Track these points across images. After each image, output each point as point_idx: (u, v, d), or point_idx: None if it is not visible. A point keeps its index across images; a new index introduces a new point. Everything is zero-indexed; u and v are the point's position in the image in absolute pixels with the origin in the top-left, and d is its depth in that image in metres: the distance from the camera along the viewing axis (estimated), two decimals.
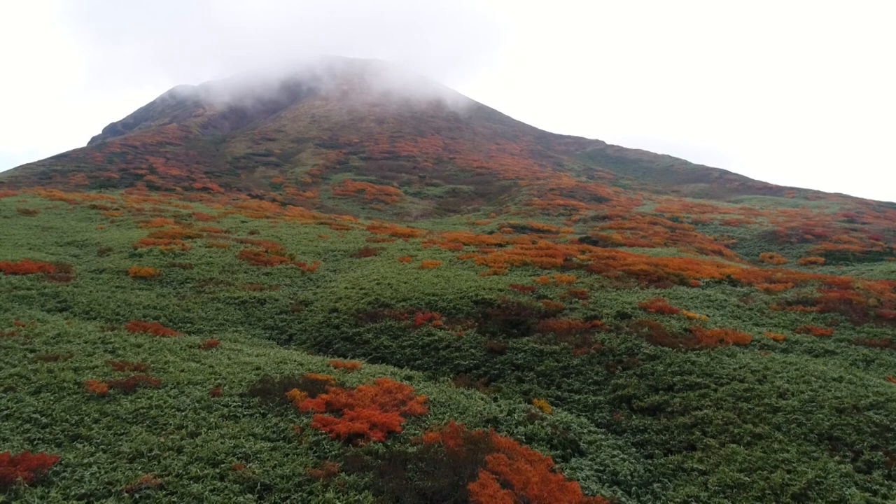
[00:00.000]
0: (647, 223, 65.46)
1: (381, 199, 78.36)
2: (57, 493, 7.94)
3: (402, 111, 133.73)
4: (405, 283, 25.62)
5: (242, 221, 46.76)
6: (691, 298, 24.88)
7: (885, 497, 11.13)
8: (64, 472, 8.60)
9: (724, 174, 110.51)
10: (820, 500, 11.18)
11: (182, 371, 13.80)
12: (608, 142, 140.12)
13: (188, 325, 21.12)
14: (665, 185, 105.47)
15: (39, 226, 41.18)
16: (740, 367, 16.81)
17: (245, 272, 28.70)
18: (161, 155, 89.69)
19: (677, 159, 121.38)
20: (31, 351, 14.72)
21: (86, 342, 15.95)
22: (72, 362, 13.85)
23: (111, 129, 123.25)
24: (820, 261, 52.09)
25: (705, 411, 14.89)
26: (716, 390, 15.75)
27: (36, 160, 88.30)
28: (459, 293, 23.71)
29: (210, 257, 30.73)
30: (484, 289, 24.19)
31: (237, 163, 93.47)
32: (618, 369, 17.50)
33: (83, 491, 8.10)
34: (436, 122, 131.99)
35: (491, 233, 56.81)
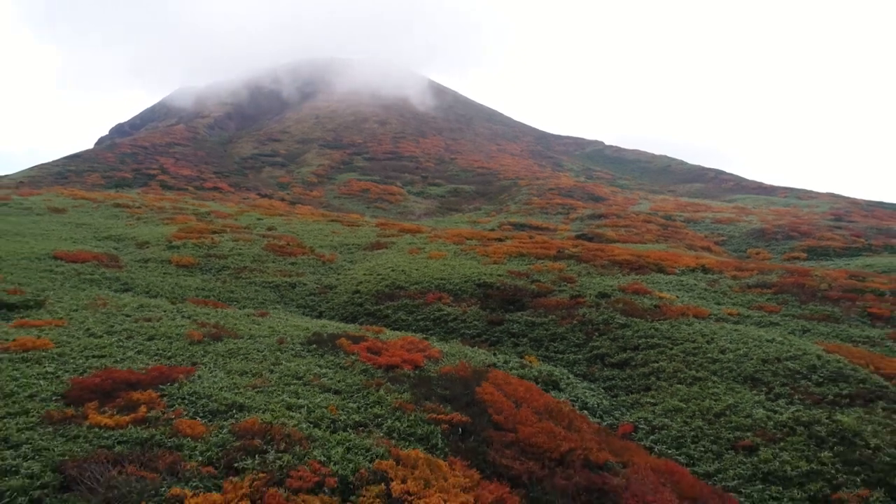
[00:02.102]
0: (641, 221, 69.69)
1: (385, 198, 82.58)
2: (202, 384, 12.17)
3: (402, 110, 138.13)
4: (416, 270, 29.88)
5: (258, 219, 50.93)
6: (666, 283, 29.14)
7: (781, 413, 15.37)
8: (202, 376, 12.84)
9: (719, 174, 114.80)
10: (733, 417, 15.45)
11: (250, 329, 18.07)
12: (607, 142, 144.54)
13: (235, 303, 25.37)
14: (662, 184, 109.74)
15: (72, 222, 45.37)
16: (694, 333, 21.08)
17: (273, 262, 32.95)
18: (170, 155, 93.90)
19: (674, 160, 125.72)
20: (127, 316, 18.95)
21: (164, 311, 20.17)
22: (163, 323, 18.09)
23: (118, 130, 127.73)
24: (803, 256, 56.18)
25: (661, 363, 19.18)
26: (671, 349, 20.02)
27: (40, 161, 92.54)
28: (464, 278, 27.97)
29: (240, 249, 34.96)
30: (485, 274, 28.45)
31: (244, 163, 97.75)
32: (595, 335, 21.79)
33: (225, 384, 12.34)
34: (437, 123, 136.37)
35: (492, 230, 61.05)
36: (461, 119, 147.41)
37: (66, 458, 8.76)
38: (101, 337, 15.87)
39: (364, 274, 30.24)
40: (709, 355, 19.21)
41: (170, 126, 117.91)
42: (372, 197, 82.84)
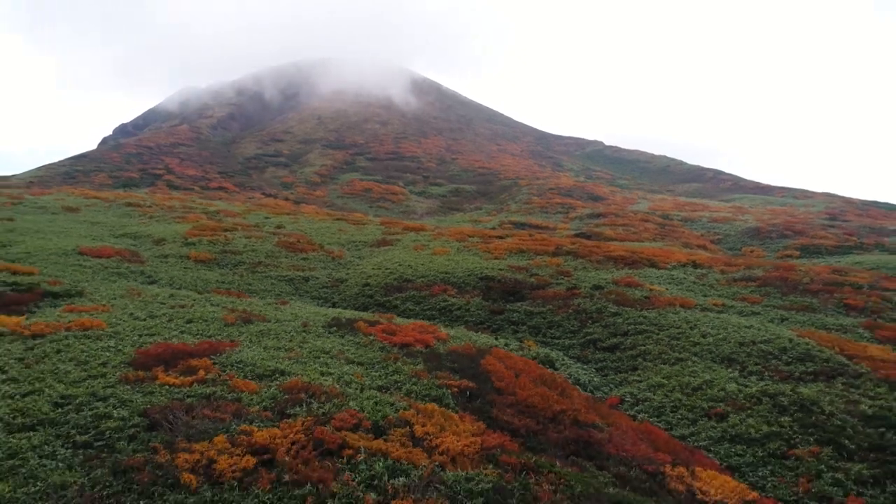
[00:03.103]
0: (639, 220, 71.79)
1: (387, 198, 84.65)
2: (245, 355, 14.24)
3: (403, 110, 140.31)
4: (422, 264, 31.95)
5: (266, 217, 52.99)
6: (657, 277, 31.22)
7: (751, 387, 17.43)
8: (242, 350, 14.89)
9: (718, 174, 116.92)
10: (709, 390, 17.52)
11: (275, 314, 20.14)
12: (607, 143, 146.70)
13: (254, 294, 27.42)
14: (661, 184, 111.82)
15: (87, 221, 47.43)
16: (679, 320, 23.16)
17: (286, 257, 35.02)
18: (175, 155, 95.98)
19: (673, 160, 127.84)
20: (162, 303, 21.01)
21: (193, 300, 22.23)
22: (196, 309, 20.15)
23: (122, 130, 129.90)
24: (796, 254, 58.20)
25: (647, 347, 21.25)
26: (657, 334, 22.10)
27: (39, 160, 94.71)
28: (467, 272, 30.04)
29: (253, 246, 37.03)
30: (487, 268, 30.52)
31: (248, 163, 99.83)
32: (588, 322, 23.86)
33: (264, 355, 14.41)
34: (438, 123, 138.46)
35: (492, 229, 63.10)
36: (462, 119, 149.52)
37: (149, 406, 10.85)
38: (145, 320, 17.94)
39: (373, 268, 32.30)
40: (691, 339, 21.28)
41: (173, 126, 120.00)
42: (374, 197, 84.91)
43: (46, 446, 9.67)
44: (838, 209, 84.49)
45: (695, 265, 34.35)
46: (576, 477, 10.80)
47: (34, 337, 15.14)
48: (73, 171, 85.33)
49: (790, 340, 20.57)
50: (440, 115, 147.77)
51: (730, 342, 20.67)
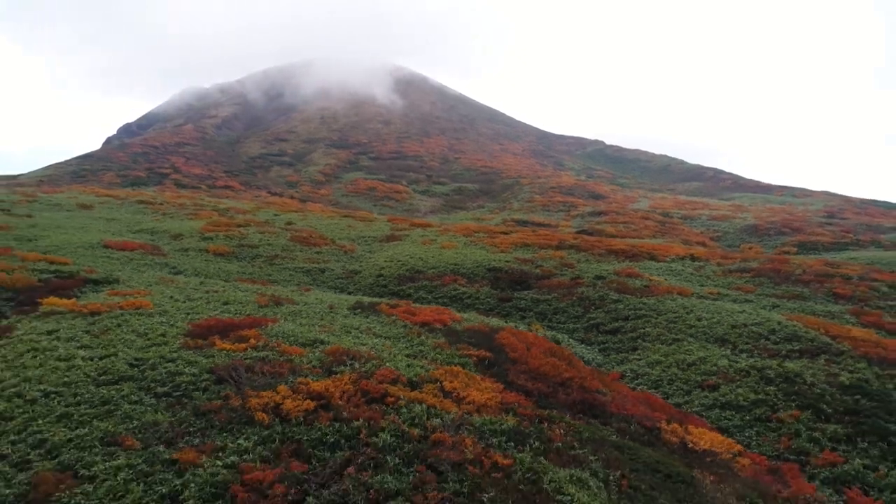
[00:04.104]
0: (639, 218, 73.62)
1: (391, 196, 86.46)
2: (286, 328, 16.01)
3: (406, 110, 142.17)
4: (432, 257, 33.74)
5: (275, 215, 54.75)
6: (657, 268, 33.01)
7: (741, 363, 19.22)
8: (282, 324, 16.68)
9: (718, 173, 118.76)
10: (702, 366, 19.31)
11: (302, 299, 21.91)
12: (608, 142, 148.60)
13: (275, 283, 29.20)
14: (662, 183, 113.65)
15: (103, 217, 49.20)
16: (677, 306, 24.94)
17: (300, 251, 36.80)
18: (181, 155, 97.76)
19: (674, 159, 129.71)
20: (195, 289, 22.78)
21: (222, 286, 24.00)
22: (228, 293, 21.92)
23: (126, 130, 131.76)
24: (793, 251, 60.00)
25: (647, 329, 23.04)
26: (656, 318, 23.88)
27: (40, 160, 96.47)
28: (475, 263, 31.82)
29: (268, 241, 38.80)
30: (494, 260, 32.31)
31: (253, 162, 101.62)
32: (591, 309, 25.65)
33: (302, 329, 16.17)
34: (441, 123, 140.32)
35: (496, 226, 64.95)
36: (464, 119, 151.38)
37: (213, 365, 12.63)
38: (184, 302, 19.72)
39: (385, 261, 34.08)
40: (687, 322, 23.07)
41: (178, 126, 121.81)
42: (379, 195, 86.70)
43: (133, 396, 11.46)
44: (837, 207, 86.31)
45: (692, 258, 36.14)
46: (583, 427, 12.60)
47: (92, 314, 16.92)
48: (80, 171, 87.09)
49: (779, 323, 22.36)
50: (443, 114, 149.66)
51: (723, 325, 22.46)
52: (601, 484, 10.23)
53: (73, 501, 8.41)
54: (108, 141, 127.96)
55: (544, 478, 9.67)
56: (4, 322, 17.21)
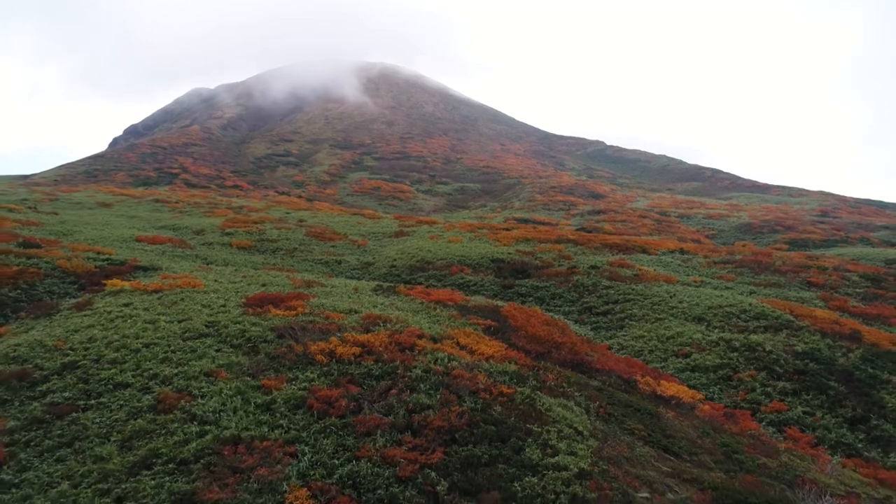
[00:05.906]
0: (637, 217, 76.88)
1: (395, 195, 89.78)
2: (324, 301, 19.25)
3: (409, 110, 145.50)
4: (439, 250, 37.01)
5: (286, 212, 58.02)
6: (648, 261, 36.27)
7: (712, 336, 22.45)
8: (319, 299, 19.93)
9: (716, 173, 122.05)
10: (679, 339, 22.57)
11: (329, 282, 25.17)
12: (608, 142, 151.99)
13: (297, 273, 32.43)
14: (660, 183, 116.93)
15: (124, 215, 52.49)
16: (662, 292, 28.20)
17: (316, 245, 40.08)
18: (188, 155, 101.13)
19: (673, 159, 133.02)
20: (233, 274, 26.02)
21: (257, 272, 27.23)
22: (263, 278, 25.16)
23: (132, 131, 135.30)
24: (784, 247, 63.17)
25: (634, 311, 26.30)
26: (642, 302, 27.14)
27: (40, 160, 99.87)
28: (480, 255, 35.09)
29: (286, 236, 42.08)
30: (497, 253, 35.58)
31: (259, 162, 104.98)
32: (585, 294, 28.91)
33: (337, 302, 19.42)
34: (443, 124, 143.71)
35: (498, 224, 68.21)
36: (466, 120, 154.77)
37: (273, 325, 15.89)
38: (230, 284, 22.96)
39: (396, 253, 37.36)
40: (670, 304, 26.33)
41: (184, 127, 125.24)
42: (383, 195, 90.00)
43: (215, 346, 14.73)
44: (831, 206, 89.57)
45: (682, 252, 39.41)
46: (571, 375, 15.85)
47: (156, 292, 20.18)
48: (92, 170, 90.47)
49: (751, 304, 25.63)
50: (445, 115, 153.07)
51: (701, 306, 25.73)
52: (583, 410, 13.48)
53: (194, 408, 11.66)
54: (115, 142, 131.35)
55: (538, 403, 12.91)
56: (81, 298, 20.48)
